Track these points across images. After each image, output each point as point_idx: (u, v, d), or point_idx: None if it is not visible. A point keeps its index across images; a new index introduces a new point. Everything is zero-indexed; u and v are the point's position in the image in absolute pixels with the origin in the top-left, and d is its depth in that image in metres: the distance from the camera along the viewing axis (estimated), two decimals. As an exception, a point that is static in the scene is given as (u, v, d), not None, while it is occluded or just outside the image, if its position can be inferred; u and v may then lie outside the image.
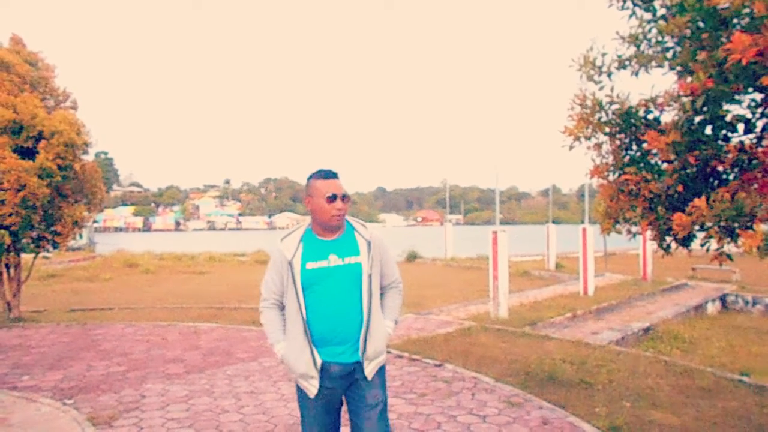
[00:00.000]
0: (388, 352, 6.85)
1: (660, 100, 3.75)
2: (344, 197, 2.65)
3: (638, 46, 3.79)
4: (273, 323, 2.73)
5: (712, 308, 13.29)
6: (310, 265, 2.62)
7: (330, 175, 2.69)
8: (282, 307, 2.74)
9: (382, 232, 2.86)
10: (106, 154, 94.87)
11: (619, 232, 4.59)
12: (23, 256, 9.25)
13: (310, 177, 2.71)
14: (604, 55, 3.99)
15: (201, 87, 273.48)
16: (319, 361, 2.61)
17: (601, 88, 4.03)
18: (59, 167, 8.39)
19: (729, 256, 3.47)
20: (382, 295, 2.86)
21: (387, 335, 2.77)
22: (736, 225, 3.11)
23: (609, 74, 4.00)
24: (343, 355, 2.64)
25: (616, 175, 4.13)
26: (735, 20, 3.06)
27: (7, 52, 8.99)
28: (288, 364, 2.67)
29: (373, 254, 2.70)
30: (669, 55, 3.55)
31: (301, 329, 2.59)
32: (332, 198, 2.62)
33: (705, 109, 3.28)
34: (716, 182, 3.66)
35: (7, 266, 9.04)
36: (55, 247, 9.19)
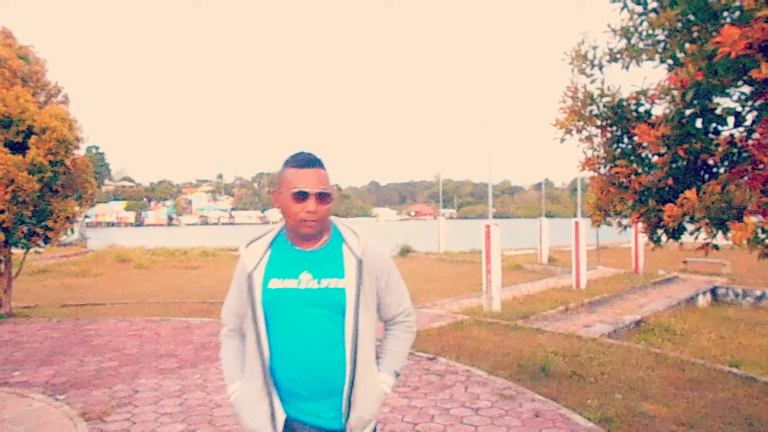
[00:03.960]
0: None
1: (651, 93, 3.76)
2: (321, 196, 1.86)
3: (629, 39, 3.80)
4: (229, 357, 2.06)
5: (703, 301, 13.39)
6: (273, 284, 1.89)
7: (306, 162, 1.88)
8: (244, 336, 2.04)
9: (381, 242, 2.12)
10: (97, 148, 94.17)
11: (609, 225, 4.62)
12: (13, 251, 9.19)
13: (284, 163, 1.94)
14: (595, 48, 4.00)
15: (194, 81, 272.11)
16: (281, 417, 1.87)
17: (592, 81, 4.04)
18: (50, 163, 8.33)
19: (716, 246, 3.50)
20: (385, 331, 2.13)
21: (381, 396, 1.97)
22: (726, 217, 3.13)
23: (600, 67, 4.01)
24: (321, 419, 1.89)
25: (607, 167, 4.15)
26: (725, 13, 3.07)
27: None
28: (237, 413, 1.96)
29: (365, 278, 1.91)
30: (660, 48, 3.56)
31: (259, 369, 1.88)
32: (300, 196, 1.84)
33: (695, 102, 3.30)
34: (706, 175, 3.68)
35: (-2, 261, 8.98)
36: (46, 243, 9.14)
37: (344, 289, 1.88)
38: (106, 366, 6.21)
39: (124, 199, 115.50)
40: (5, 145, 8.19)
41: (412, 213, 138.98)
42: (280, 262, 1.94)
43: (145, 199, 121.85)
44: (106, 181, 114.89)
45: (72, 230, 10.38)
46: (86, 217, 24.62)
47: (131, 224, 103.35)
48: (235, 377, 2.01)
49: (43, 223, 8.78)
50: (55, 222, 8.74)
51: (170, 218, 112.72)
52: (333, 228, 2.01)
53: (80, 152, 9.39)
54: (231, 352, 2.06)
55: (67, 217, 8.89)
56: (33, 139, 8.25)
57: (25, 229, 8.70)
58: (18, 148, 8.33)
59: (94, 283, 14.50)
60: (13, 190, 7.90)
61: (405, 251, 24.19)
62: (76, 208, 9.12)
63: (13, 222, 8.15)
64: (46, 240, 9.04)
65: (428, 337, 7.50)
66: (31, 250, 9.24)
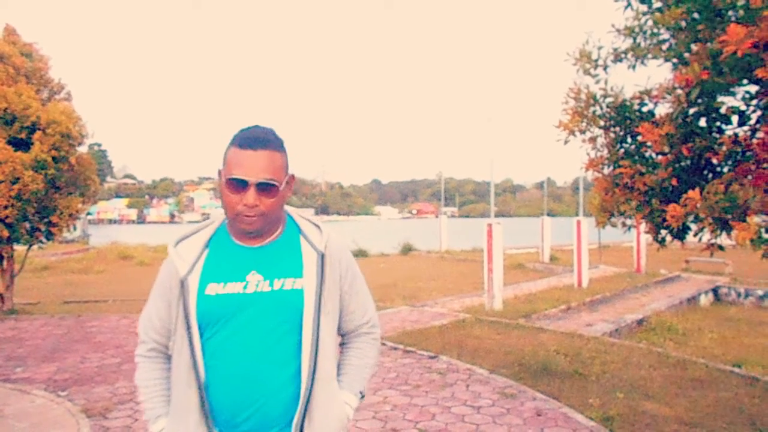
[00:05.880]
0: (383, 344, 6.85)
1: (654, 93, 3.75)
2: (263, 187, 1.49)
3: (634, 39, 3.79)
4: (151, 385, 1.65)
5: (705, 300, 13.36)
6: (212, 290, 1.54)
7: (251, 141, 1.50)
8: (168, 358, 1.66)
9: (343, 235, 1.79)
10: (99, 145, 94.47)
11: (614, 226, 4.62)
12: (16, 247, 9.21)
13: (231, 140, 1.56)
14: (600, 48, 3.99)
15: (196, 79, 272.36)
16: None
17: (597, 82, 4.03)
18: (54, 159, 8.34)
19: (720, 247, 3.50)
20: (343, 345, 1.77)
21: (343, 420, 1.64)
22: (729, 217, 3.12)
23: (605, 67, 4.01)
24: None
25: (611, 168, 4.14)
26: (730, 12, 3.07)
27: (3, 43, 8.90)
28: None
29: (327, 277, 1.60)
30: (664, 47, 3.56)
31: (195, 400, 1.52)
32: (236, 185, 1.49)
33: (699, 101, 3.29)
34: (710, 174, 3.67)
35: (0, 258, 8.99)
36: (49, 239, 9.15)
37: (303, 291, 1.56)
38: (109, 363, 6.21)
39: (126, 197, 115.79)
40: (8, 142, 8.20)
41: (414, 211, 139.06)
42: (220, 262, 1.58)
43: (147, 197, 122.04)
44: (109, 179, 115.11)
45: (74, 227, 10.41)
46: (88, 214, 24.69)
47: (133, 221, 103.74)
48: (159, 411, 1.62)
49: (46, 220, 8.79)
50: (59, 218, 8.75)
51: (172, 216, 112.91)
52: (288, 219, 1.68)
53: (83, 149, 9.40)
54: (152, 379, 1.66)
55: (71, 214, 8.90)
56: (37, 134, 8.27)
57: (28, 225, 8.71)
58: (21, 144, 8.34)
59: (96, 280, 14.52)
60: (18, 189, 7.92)
61: (406, 249, 24.21)
62: (79, 205, 9.13)
63: (16, 218, 8.16)
64: (49, 236, 9.06)
65: (430, 336, 7.50)
66: (34, 247, 9.26)
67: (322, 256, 1.61)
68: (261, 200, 1.49)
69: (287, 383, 1.54)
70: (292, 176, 1.62)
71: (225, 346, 1.53)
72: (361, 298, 1.73)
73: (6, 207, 7.95)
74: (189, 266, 1.57)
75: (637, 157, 3.86)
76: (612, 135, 4.08)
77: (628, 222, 4.48)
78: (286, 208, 1.70)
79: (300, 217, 1.70)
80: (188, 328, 1.53)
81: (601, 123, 4.03)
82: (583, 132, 4.15)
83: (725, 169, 3.58)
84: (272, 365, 1.53)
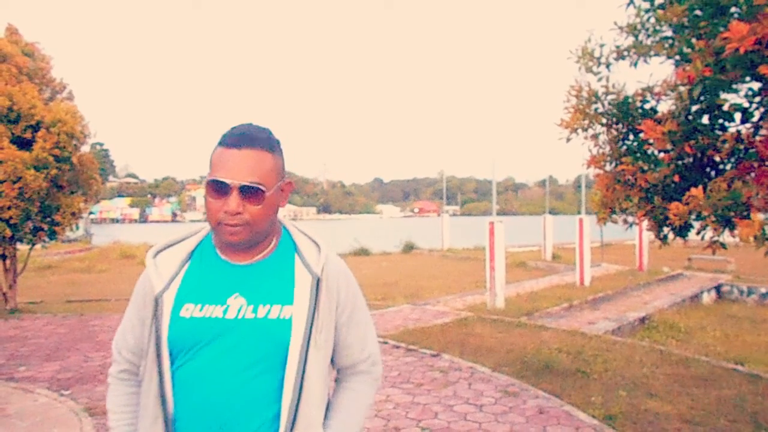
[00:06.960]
0: (385, 343, 6.87)
1: (657, 90, 3.75)
2: (247, 191, 1.30)
3: (636, 36, 3.78)
4: (119, 411, 1.49)
5: (708, 298, 13.34)
6: (187, 311, 1.35)
7: (237, 140, 1.32)
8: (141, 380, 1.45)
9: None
10: (101, 145, 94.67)
11: (615, 222, 4.61)
12: (18, 247, 9.22)
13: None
14: (602, 46, 3.98)
15: (197, 78, 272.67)
16: None
17: (599, 79, 4.02)
18: (56, 158, 8.34)
19: (723, 245, 3.49)
20: (337, 381, 1.56)
21: None
22: (732, 214, 3.12)
23: (607, 65, 4.00)
24: None
25: (613, 165, 4.14)
26: (733, 9, 3.05)
27: (6, 42, 8.91)
28: None
29: (321, 306, 1.38)
30: (666, 44, 3.55)
31: None
32: (217, 187, 1.31)
33: (702, 98, 3.28)
34: (713, 172, 3.66)
35: (3, 257, 9.01)
36: (51, 238, 9.17)
37: (290, 320, 1.33)
38: (111, 362, 6.22)
39: (128, 196, 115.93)
40: (12, 142, 8.21)
41: (416, 210, 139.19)
42: (200, 279, 1.39)
43: (149, 196, 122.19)
44: (111, 178, 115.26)
45: (77, 226, 10.43)
46: (91, 213, 24.74)
47: (135, 221, 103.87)
48: None
49: (48, 219, 8.81)
50: (62, 218, 8.77)
51: (174, 215, 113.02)
52: (283, 232, 1.47)
53: (86, 148, 9.41)
54: (122, 404, 1.49)
55: (73, 213, 8.92)
56: (41, 132, 8.28)
57: (31, 224, 8.73)
58: (25, 144, 8.35)
59: (99, 279, 14.56)
60: (20, 188, 7.93)
61: (408, 248, 24.26)
62: (82, 204, 9.14)
63: (19, 218, 8.18)
64: (52, 235, 9.07)
65: (432, 334, 7.50)
66: (37, 246, 9.28)
67: (318, 281, 1.39)
68: (245, 207, 1.30)
69: (264, 427, 1.31)
70: (289, 183, 1.43)
71: (196, 377, 1.32)
72: (361, 331, 1.49)
73: (9, 207, 7.95)
74: (165, 282, 1.38)
75: (639, 154, 3.85)
76: (614, 132, 4.08)
77: (630, 219, 4.47)
78: (284, 220, 1.49)
79: (298, 232, 1.48)
80: (158, 352, 1.34)
81: (603, 120, 4.02)
82: (585, 129, 4.14)
83: (728, 167, 3.57)
84: (248, 406, 1.31)
